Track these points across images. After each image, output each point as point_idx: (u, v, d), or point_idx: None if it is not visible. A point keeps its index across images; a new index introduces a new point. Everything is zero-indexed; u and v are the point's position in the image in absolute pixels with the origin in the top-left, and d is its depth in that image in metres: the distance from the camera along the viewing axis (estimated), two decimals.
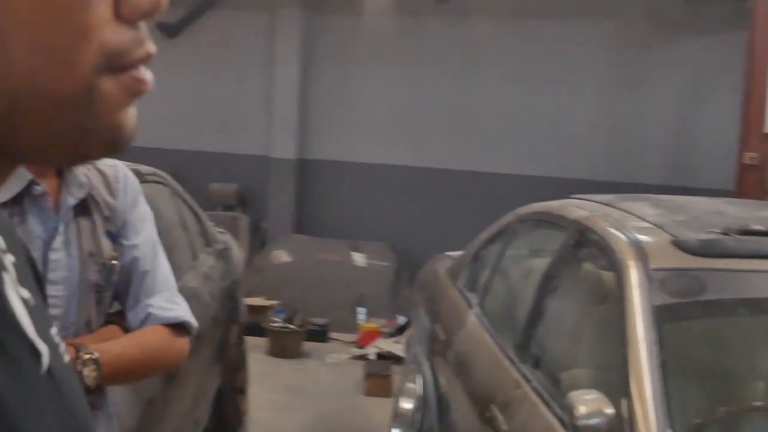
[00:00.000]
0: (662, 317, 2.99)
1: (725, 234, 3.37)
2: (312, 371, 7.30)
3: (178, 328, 1.99)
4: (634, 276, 3.13)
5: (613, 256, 3.30)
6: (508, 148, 8.85)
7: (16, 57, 0.64)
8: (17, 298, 0.75)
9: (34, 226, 1.80)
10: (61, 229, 1.84)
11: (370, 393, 6.67)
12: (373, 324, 7.95)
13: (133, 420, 3.46)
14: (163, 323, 1.95)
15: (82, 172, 1.90)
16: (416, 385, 4.84)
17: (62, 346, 0.84)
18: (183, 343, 2.00)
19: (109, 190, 1.96)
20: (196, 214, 5.72)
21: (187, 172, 9.46)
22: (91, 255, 1.88)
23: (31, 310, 0.77)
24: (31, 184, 1.79)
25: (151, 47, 0.73)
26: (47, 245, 1.81)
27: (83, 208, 1.89)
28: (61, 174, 1.86)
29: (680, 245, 3.26)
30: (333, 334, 8.14)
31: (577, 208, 3.95)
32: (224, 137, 9.46)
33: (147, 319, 1.94)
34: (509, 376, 3.59)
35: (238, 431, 5.76)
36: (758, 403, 3.05)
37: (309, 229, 9.25)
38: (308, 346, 7.78)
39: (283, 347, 7.56)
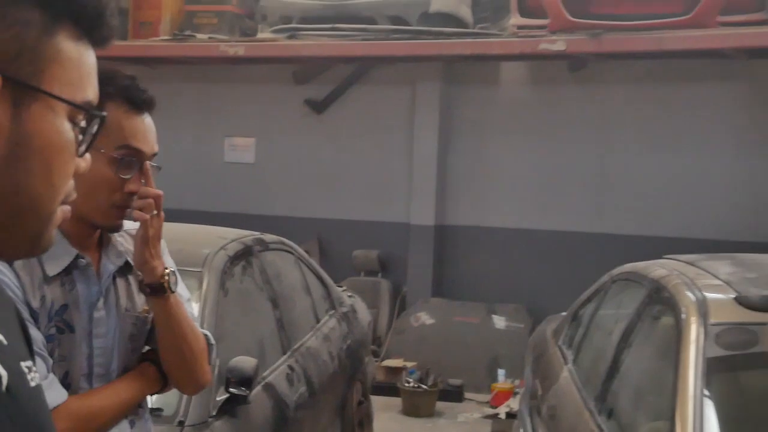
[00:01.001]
0: (713, 368, 3.14)
1: None
2: (441, 430, 7.53)
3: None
4: (692, 330, 3.29)
5: (678, 312, 3.45)
6: (643, 210, 8.91)
7: (32, 187, 1.08)
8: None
9: (82, 292, 2.14)
10: (103, 292, 2.18)
11: None
12: (507, 384, 8.11)
13: None
14: None
15: (119, 240, 2.26)
16: None
17: (31, 375, 1.19)
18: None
19: None
20: (321, 279, 6.08)
21: (332, 240, 9.97)
22: (126, 310, 2.23)
23: (1, 348, 1.13)
24: (77, 257, 2.13)
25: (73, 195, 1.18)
26: (93, 306, 2.15)
27: (121, 270, 2.24)
28: (101, 244, 2.22)
29: (742, 301, 3.39)
30: (468, 395, 8.33)
31: (659, 267, 4.11)
32: (367, 205, 9.88)
33: None
34: (587, 427, 3.76)
35: None
36: None
37: (447, 293, 9.52)
38: (442, 405, 8.00)
39: (416, 406, 7.82)
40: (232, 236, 4.90)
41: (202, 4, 9.79)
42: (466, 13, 8.92)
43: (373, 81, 9.91)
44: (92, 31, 1.15)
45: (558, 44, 7.94)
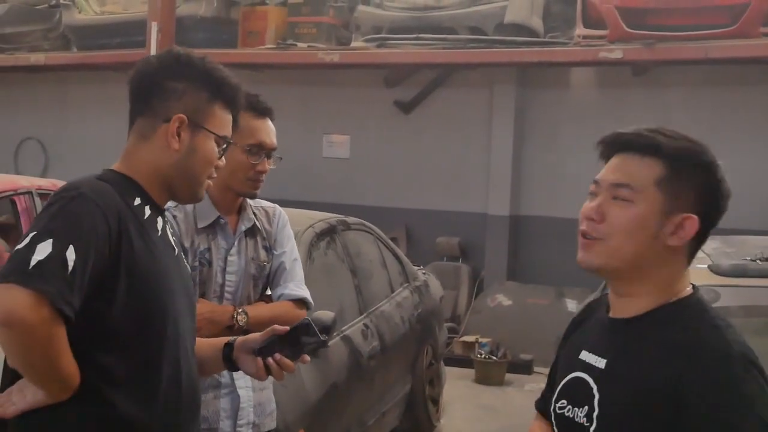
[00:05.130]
0: None
1: (752, 261, 4.38)
2: (508, 396, 8.46)
3: (301, 302, 3.29)
4: None
5: None
6: None
7: (193, 169, 2.29)
8: (169, 235, 2.32)
9: (220, 242, 3.14)
10: (236, 243, 3.18)
11: None
12: None
13: (316, 396, 4.80)
14: (291, 299, 3.26)
15: (252, 210, 3.26)
16: None
17: (183, 259, 2.36)
18: (302, 312, 3.26)
19: (268, 220, 3.32)
20: (397, 257, 7.07)
21: (418, 228, 10.94)
22: (252, 259, 3.21)
23: (174, 242, 2.32)
24: (218, 218, 3.15)
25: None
26: (227, 252, 3.15)
27: (251, 231, 3.23)
28: (239, 211, 3.23)
29: (713, 269, 4.30)
30: (537, 368, 9.20)
31: None
32: (449, 197, 10.80)
33: (281, 296, 3.26)
34: None
35: None
36: None
37: (521, 276, 10.42)
38: (513, 377, 8.91)
39: (487, 375, 8.76)
40: (319, 217, 5.92)
41: (302, 15, 10.77)
42: (537, 23, 9.80)
43: (454, 84, 10.82)
44: (232, 107, 2.35)
45: (615, 53, 8.82)
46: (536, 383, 8.83)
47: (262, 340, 2.40)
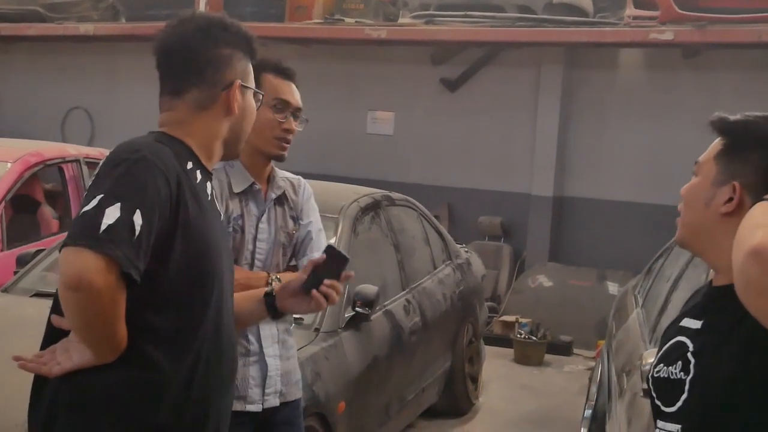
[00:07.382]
0: None
1: None
2: (547, 376, 8.45)
3: None
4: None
5: None
6: None
7: (245, 127, 2.43)
8: (216, 200, 2.36)
9: (252, 209, 3.19)
10: (266, 210, 3.23)
11: None
12: None
13: (358, 369, 4.86)
14: None
15: (280, 180, 3.30)
16: (599, 372, 5.96)
17: (223, 219, 2.42)
18: None
19: (294, 191, 3.36)
20: (440, 234, 7.08)
21: (460, 206, 10.93)
22: (281, 227, 3.26)
23: (219, 206, 2.33)
24: (252, 184, 3.19)
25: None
26: (259, 220, 3.20)
27: (279, 200, 3.28)
28: (268, 180, 3.26)
29: None
30: (577, 350, 9.19)
31: None
32: (493, 176, 10.78)
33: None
34: (638, 352, 4.68)
35: (468, 411, 7.05)
36: None
37: (563, 258, 10.37)
38: (552, 358, 8.90)
39: (526, 355, 8.76)
40: (364, 192, 5.96)
41: None
42: (587, 3, 9.72)
43: (501, 63, 10.77)
44: (254, 58, 2.43)
45: (666, 34, 8.72)
46: (575, 365, 8.84)
47: (305, 276, 2.51)
